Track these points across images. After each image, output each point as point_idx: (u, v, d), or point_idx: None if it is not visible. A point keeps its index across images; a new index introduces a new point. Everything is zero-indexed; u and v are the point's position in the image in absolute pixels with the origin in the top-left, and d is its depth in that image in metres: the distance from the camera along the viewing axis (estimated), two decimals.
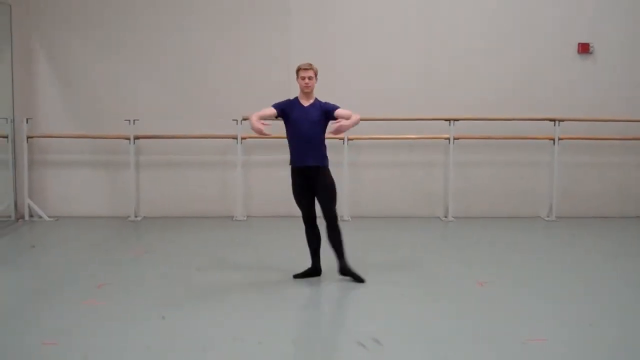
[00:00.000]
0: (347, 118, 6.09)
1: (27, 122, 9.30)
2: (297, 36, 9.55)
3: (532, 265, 7.00)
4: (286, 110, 6.19)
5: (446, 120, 9.35)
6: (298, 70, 6.25)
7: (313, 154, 6.12)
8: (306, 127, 6.11)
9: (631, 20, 9.69)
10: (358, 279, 6.19)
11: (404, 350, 4.59)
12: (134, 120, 9.30)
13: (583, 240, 8.35)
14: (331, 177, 6.22)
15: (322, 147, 6.20)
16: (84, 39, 9.53)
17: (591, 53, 9.68)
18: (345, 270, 6.22)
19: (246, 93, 9.45)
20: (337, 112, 6.16)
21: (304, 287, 6.10)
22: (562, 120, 9.44)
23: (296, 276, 6.32)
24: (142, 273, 6.58)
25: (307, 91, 6.20)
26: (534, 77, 9.68)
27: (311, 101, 6.25)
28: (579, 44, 9.65)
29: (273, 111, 6.21)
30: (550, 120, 9.46)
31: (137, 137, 9.41)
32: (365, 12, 9.61)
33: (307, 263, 6.39)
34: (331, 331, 5.12)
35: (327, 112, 6.20)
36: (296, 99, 6.29)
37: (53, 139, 9.55)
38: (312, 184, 6.18)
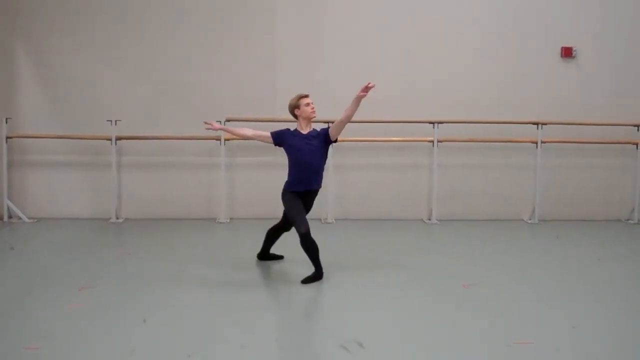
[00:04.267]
0: (341, 122, 6.19)
1: (6, 122, 9.18)
2: (282, 38, 9.52)
3: (516, 268, 7.02)
4: (285, 139, 6.31)
5: (430, 122, 9.36)
6: (300, 99, 6.31)
7: (316, 178, 6.31)
8: (310, 155, 6.23)
9: (614, 24, 9.78)
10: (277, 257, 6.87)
11: (387, 353, 4.57)
12: (115, 121, 9.21)
13: (566, 243, 8.38)
14: None
15: (322, 173, 6.37)
16: (66, 38, 9.42)
17: (574, 57, 9.75)
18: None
19: (230, 94, 9.44)
20: (331, 129, 6.28)
21: (288, 290, 6.05)
22: (545, 124, 9.49)
23: (305, 281, 6.20)
24: (124, 276, 6.49)
25: (313, 117, 6.30)
26: (517, 81, 9.73)
27: (310, 129, 6.35)
28: (562, 47, 9.72)
29: (267, 135, 6.39)
30: (534, 123, 9.50)
31: (119, 138, 9.31)
32: (350, 15, 9.61)
33: (289, 266, 6.36)
34: (314, 334, 5.08)
35: (325, 137, 6.30)
36: (295, 129, 6.38)
37: (33, 139, 9.42)
38: (308, 202, 6.37)
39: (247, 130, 6.58)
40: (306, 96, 6.33)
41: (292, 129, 6.42)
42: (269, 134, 6.42)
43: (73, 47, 9.43)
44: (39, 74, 9.46)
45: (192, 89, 9.51)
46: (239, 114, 9.21)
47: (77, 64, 9.44)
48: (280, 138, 6.36)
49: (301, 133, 6.32)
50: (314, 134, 6.33)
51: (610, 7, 9.77)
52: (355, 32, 9.59)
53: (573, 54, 9.72)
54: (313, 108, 6.29)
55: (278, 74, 9.52)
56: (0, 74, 9.29)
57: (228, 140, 9.29)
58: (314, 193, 6.40)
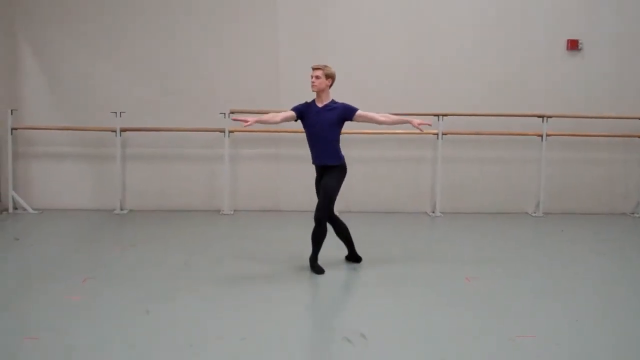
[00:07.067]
0: (371, 119, 6.31)
1: (11, 114, 9.19)
2: (285, 31, 9.49)
3: (520, 261, 7.00)
4: (304, 113, 6.30)
5: (435, 115, 9.31)
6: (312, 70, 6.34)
7: (323, 153, 6.26)
8: (317, 128, 6.24)
9: (620, 17, 9.70)
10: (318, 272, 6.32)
11: (389, 346, 4.56)
12: (120, 113, 9.21)
13: (570, 237, 8.35)
14: (336, 179, 6.28)
15: (331, 147, 6.26)
16: (70, 30, 9.41)
17: (580, 50, 9.69)
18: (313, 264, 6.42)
19: (234, 86, 9.42)
20: (359, 113, 6.27)
21: (291, 283, 6.05)
22: (550, 117, 9.45)
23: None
24: (127, 267, 6.50)
25: (313, 90, 6.27)
26: (522, 74, 9.68)
27: (325, 102, 6.29)
28: (567, 40, 9.66)
29: (292, 114, 6.34)
30: (539, 116, 9.46)
31: (123, 130, 9.32)
32: (354, 8, 9.57)
33: (292, 259, 6.43)
34: (316, 326, 5.09)
35: (344, 112, 6.25)
36: (313, 100, 6.36)
37: (38, 130, 9.43)
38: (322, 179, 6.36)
39: (275, 116, 6.37)
40: (313, 68, 6.28)
41: (310, 101, 6.36)
42: (292, 112, 6.33)
43: (77, 39, 9.43)
44: (44, 66, 9.46)
45: (196, 80, 9.49)
46: (242, 105, 9.19)
47: (81, 56, 9.44)
48: (301, 113, 6.32)
49: (317, 106, 6.29)
50: (330, 107, 6.26)
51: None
52: (359, 22, 9.55)
53: (579, 47, 9.66)
54: (312, 82, 6.25)
55: (280, 66, 9.50)
56: (5, 66, 9.29)
57: (232, 132, 9.29)
58: (324, 168, 6.28)
